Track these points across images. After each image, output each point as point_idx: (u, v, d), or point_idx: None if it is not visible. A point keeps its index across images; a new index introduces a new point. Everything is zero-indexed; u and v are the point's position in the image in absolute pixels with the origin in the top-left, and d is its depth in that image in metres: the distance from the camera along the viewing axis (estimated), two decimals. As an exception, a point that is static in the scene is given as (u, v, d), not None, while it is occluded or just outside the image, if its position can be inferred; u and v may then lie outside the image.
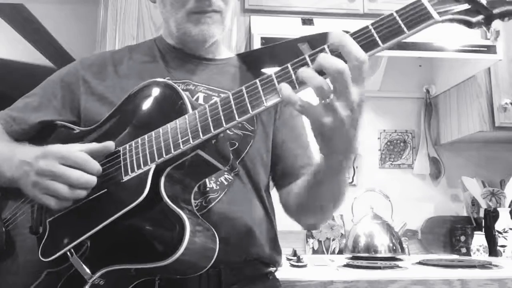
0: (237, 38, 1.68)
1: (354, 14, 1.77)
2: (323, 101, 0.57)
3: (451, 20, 0.60)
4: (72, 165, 0.70)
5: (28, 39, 3.51)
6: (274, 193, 0.99)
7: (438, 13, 0.59)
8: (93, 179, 0.71)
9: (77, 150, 0.72)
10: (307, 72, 0.58)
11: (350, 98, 0.57)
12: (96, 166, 0.71)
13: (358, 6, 1.77)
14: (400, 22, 0.60)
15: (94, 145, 0.74)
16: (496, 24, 0.61)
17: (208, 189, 0.83)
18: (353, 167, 2.02)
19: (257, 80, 0.66)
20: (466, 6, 0.60)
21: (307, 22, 1.66)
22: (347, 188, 0.78)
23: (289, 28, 1.65)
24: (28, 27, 3.29)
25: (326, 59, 0.57)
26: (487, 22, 0.60)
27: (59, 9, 3.02)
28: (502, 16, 0.59)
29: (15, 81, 3.91)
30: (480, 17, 0.59)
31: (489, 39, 1.53)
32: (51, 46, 3.61)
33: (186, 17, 0.89)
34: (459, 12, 0.60)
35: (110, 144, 0.74)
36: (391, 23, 0.60)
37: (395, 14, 0.61)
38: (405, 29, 0.59)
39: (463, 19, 0.60)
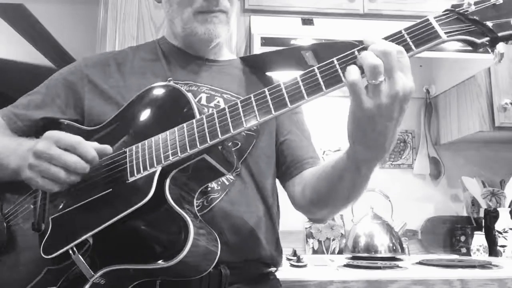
0: (237, 38, 1.68)
1: (354, 14, 1.77)
2: (371, 81, 0.58)
3: (457, 40, 0.61)
4: (66, 147, 0.70)
5: (28, 39, 3.52)
6: (281, 192, 0.98)
7: (445, 33, 0.61)
8: (87, 166, 0.71)
9: (74, 135, 0.72)
10: (365, 53, 0.59)
11: (394, 84, 0.58)
12: (91, 152, 0.71)
13: (358, 6, 1.77)
14: (408, 39, 0.62)
15: (93, 143, 0.74)
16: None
17: (209, 189, 0.83)
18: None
19: (265, 89, 0.67)
20: (472, 27, 0.61)
21: (307, 22, 1.66)
22: (366, 186, 0.76)
23: (289, 28, 1.65)
24: (28, 27, 3.29)
25: (378, 42, 0.60)
26: (492, 44, 0.62)
27: (59, 9, 3.03)
28: (506, 39, 0.61)
29: (15, 81, 3.92)
30: (485, 39, 0.61)
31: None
32: (51, 46, 3.61)
33: (193, 16, 0.90)
34: (465, 33, 0.61)
35: (108, 149, 0.74)
36: (399, 40, 0.62)
37: (403, 32, 0.62)
38: (413, 46, 0.61)
39: (469, 40, 0.62)
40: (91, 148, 0.72)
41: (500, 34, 0.60)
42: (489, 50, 0.62)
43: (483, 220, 1.89)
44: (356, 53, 0.62)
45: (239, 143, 0.88)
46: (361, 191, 0.76)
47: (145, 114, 0.79)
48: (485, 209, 1.90)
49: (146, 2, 1.66)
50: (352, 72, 0.59)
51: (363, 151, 0.66)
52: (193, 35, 0.91)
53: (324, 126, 1.86)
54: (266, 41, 1.56)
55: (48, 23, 3.27)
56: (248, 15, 1.73)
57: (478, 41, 0.61)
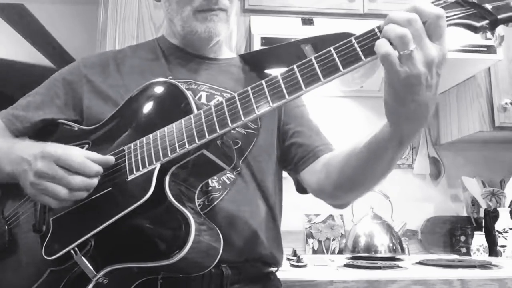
0: (237, 38, 1.68)
1: (354, 14, 1.77)
2: (402, 52, 0.57)
3: (456, 24, 0.61)
4: (67, 167, 0.70)
5: (28, 39, 3.52)
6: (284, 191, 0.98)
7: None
8: (93, 182, 0.71)
9: (75, 152, 0.71)
10: (389, 25, 0.58)
11: (428, 51, 0.57)
12: (93, 168, 0.71)
13: (358, 6, 1.77)
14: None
15: (94, 154, 0.73)
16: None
17: (210, 188, 0.83)
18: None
19: (263, 81, 0.66)
20: (471, 11, 0.60)
21: (307, 22, 1.66)
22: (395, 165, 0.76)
23: (289, 28, 1.65)
24: (28, 27, 3.29)
25: (397, 13, 0.58)
26: (492, 27, 0.60)
27: (59, 9, 3.03)
28: (506, 21, 0.60)
29: (15, 81, 3.92)
30: (484, 22, 0.60)
31: (490, 39, 1.53)
32: (51, 46, 3.61)
33: (192, 15, 0.90)
34: (464, 17, 0.60)
35: (110, 159, 0.74)
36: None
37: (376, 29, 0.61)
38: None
39: (468, 24, 0.61)
40: (93, 164, 0.71)
41: (499, 17, 0.59)
42: (489, 33, 0.62)
43: (483, 220, 1.89)
44: (376, 30, 0.60)
45: (239, 142, 0.88)
46: (392, 168, 0.76)
47: (143, 111, 0.79)
48: (485, 209, 1.90)
49: (146, 2, 1.66)
50: (383, 44, 0.57)
51: (407, 124, 0.65)
52: (193, 34, 0.91)
53: (324, 126, 1.86)
54: (266, 41, 1.56)
55: (48, 23, 3.27)
56: (248, 15, 1.73)
57: (478, 24, 0.60)
